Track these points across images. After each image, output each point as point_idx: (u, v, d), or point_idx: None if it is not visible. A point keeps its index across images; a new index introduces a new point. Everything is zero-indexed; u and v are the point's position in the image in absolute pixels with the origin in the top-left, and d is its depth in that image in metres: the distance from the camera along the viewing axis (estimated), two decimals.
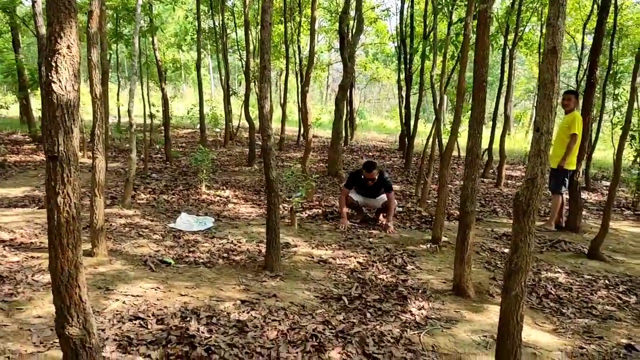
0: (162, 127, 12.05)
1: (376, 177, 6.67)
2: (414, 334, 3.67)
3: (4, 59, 13.95)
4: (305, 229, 6.42)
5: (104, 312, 3.67)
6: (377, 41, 20.69)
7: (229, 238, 5.77)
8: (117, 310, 3.71)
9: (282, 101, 15.24)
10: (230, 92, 14.90)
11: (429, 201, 8.11)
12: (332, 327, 3.68)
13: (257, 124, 14.11)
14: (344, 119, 11.28)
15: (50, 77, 1.72)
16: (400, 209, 7.58)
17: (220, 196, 8.01)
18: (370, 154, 14.35)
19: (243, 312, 3.83)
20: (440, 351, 3.46)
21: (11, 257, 4.60)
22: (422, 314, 4.05)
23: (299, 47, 15.25)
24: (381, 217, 6.92)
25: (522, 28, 11.24)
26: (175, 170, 10.09)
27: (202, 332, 3.43)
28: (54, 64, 1.71)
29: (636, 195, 9.12)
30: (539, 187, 2.67)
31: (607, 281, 5.11)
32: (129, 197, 6.80)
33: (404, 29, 14.24)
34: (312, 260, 5.21)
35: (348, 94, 14.95)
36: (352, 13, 10.98)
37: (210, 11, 14.67)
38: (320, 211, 7.34)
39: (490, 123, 12.18)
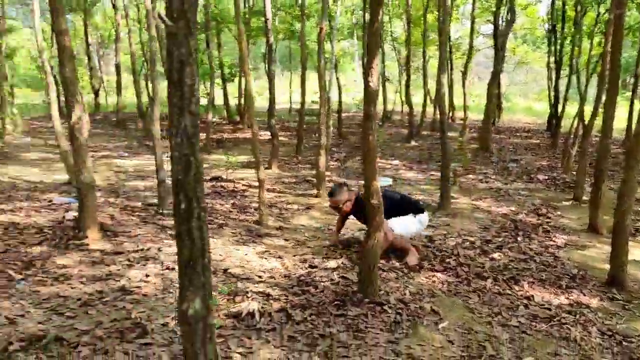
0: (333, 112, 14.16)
1: (342, 205, 4.80)
2: (554, 251, 5.20)
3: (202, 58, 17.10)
4: (464, 188, 8.06)
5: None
6: (527, 25, 21.17)
7: (406, 191, 7.63)
8: (346, 226, 5.70)
9: (427, 86, 16.73)
10: (385, 79, 16.74)
11: (573, 172, 9.24)
12: (492, 242, 5.34)
13: (414, 108, 15.59)
14: (493, 102, 12.55)
15: (369, 80, 3.61)
16: (546, 177, 8.87)
17: (391, 164, 9.91)
18: (517, 134, 15.32)
19: (429, 231, 5.64)
20: (573, 260, 4.96)
21: (266, 195, 6.87)
22: (561, 241, 5.54)
23: (448, 37, 16.59)
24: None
25: None
26: (348, 145, 12.23)
27: None
28: (370, 73, 3.61)
29: None
30: None
31: None
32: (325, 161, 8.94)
33: (555, 13, 14.92)
34: (474, 206, 6.87)
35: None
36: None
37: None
38: (475, 176, 8.92)
39: None
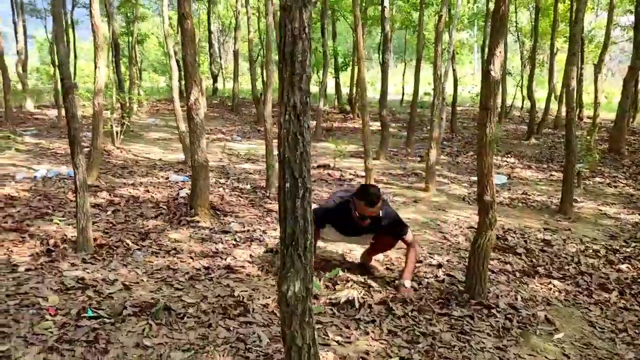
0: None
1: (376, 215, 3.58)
2: None
3: (316, 46, 17.16)
4: (589, 191, 7.41)
5: (448, 221, 5.46)
6: None
7: (522, 190, 7.16)
8: (454, 222, 5.45)
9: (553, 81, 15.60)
10: (506, 72, 15.86)
11: None
12: (619, 252, 4.83)
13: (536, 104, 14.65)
14: (630, 100, 11.43)
15: (490, 68, 3.35)
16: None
17: (507, 162, 9.37)
18: None
19: (546, 234, 5.23)
20: None
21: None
22: None
23: (582, 27, 15.35)
24: (373, 261, 4.14)
25: None
26: (460, 140, 11.76)
27: (519, 241, 4.95)
28: (492, 60, 3.34)
29: None
30: None
31: None
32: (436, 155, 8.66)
33: None
34: (599, 212, 6.27)
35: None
36: None
37: None
38: (602, 179, 8.18)
39: None
